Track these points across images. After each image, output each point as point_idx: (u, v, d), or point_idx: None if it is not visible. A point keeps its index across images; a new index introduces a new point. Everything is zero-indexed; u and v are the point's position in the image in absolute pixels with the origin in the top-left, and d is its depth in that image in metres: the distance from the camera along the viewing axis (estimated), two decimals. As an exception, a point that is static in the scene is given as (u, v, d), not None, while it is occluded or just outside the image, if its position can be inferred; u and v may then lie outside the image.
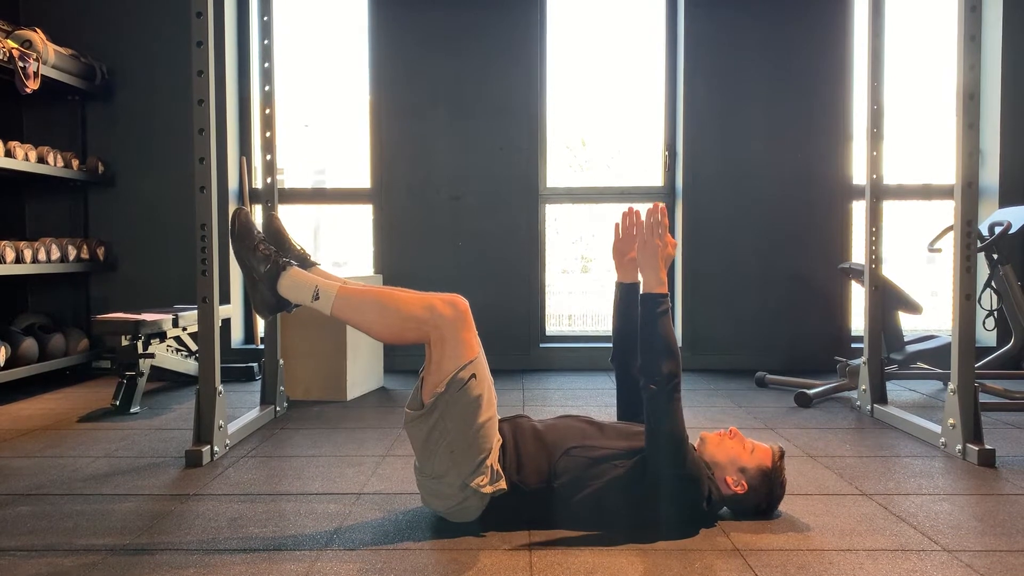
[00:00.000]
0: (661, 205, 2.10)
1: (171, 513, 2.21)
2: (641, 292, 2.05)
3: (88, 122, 4.73)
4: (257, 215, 4.60)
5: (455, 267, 4.78)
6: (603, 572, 1.80)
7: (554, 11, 4.95)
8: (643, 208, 2.16)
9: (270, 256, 2.15)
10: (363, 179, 4.93)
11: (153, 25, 4.69)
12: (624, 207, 2.32)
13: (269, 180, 3.49)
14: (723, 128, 4.77)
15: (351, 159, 5.23)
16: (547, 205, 4.97)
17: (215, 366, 2.76)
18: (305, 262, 2.23)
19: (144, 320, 3.61)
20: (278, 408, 3.50)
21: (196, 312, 2.79)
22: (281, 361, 3.56)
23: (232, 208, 4.70)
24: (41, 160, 4.17)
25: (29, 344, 3.98)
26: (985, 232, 3.81)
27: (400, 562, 1.86)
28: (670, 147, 4.97)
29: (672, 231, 4.94)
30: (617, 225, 2.26)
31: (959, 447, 2.74)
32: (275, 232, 2.31)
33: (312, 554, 1.91)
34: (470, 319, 2.02)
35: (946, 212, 4.86)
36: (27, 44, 4.01)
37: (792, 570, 1.81)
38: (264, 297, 2.15)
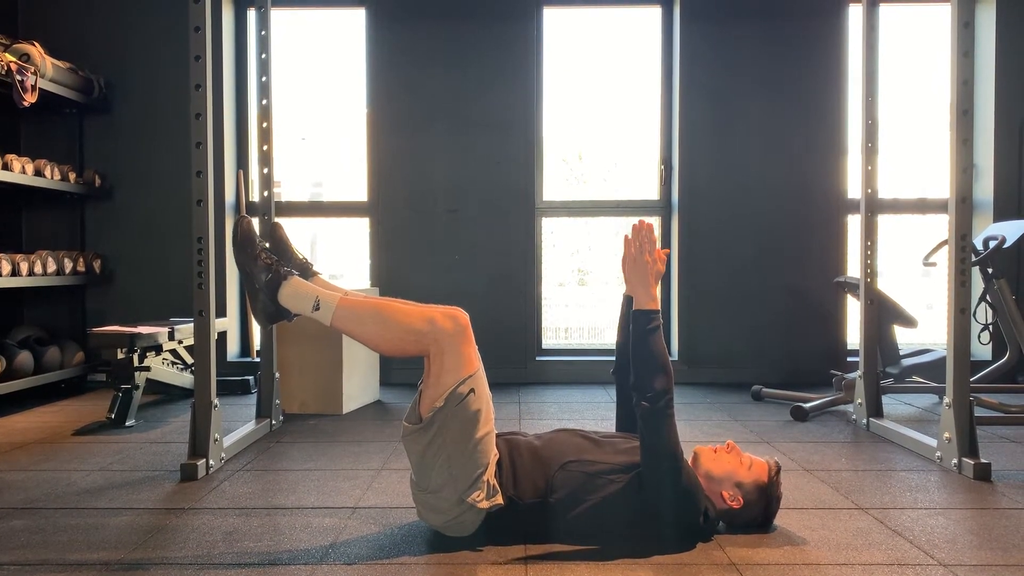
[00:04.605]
0: (647, 222, 2.09)
1: (166, 527, 2.20)
2: (632, 308, 2.05)
3: (86, 135, 4.74)
4: (255, 226, 4.60)
5: (452, 280, 4.78)
6: (599, 587, 1.80)
7: (551, 26, 4.99)
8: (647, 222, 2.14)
9: (271, 265, 2.16)
10: (360, 192, 4.95)
11: (151, 39, 4.71)
12: (621, 220, 2.31)
13: (266, 193, 3.50)
14: (719, 142, 4.80)
15: (348, 172, 5.24)
16: (544, 218, 4.98)
17: (211, 379, 2.76)
18: (307, 272, 2.24)
19: (140, 333, 3.61)
20: (274, 421, 3.49)
21: (192, 325, 2.79)
22: (277, 374, 3.56)
23: (229, 221, 4.71)
24: (38, 173, 4.17)
25: (24, 357, 3.97)
26: (980, 246, 3.82)
27: (396, 577, 1.85)
28: (666, 161, 4.99)
29: (668, 245, 4.95)
30: (627, 238, 2.12)
31: (955, 461, 2.74)
32: (277, 241, 2.33)
33: (308, 568, 1.90)
34: (470, 333, 2.02)
35: (941, 226, 4.88)
36: (25, 57, 4.02)
37: (789, 585, 1.81)
38: (264, 306, 2.15)
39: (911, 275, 5.24)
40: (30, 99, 3.94)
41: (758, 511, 2.12)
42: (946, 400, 2.78)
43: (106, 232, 4.77)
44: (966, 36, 2.72)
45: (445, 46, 4.81)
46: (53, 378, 4.16)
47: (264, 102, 3.52)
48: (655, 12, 4.99)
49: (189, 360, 4.14)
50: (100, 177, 4.67)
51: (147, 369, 3.68)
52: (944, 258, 3.32)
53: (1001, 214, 4.67)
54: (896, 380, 3.96)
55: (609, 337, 5.52)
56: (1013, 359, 4.01)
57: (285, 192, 5.26)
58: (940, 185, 4.99)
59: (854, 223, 4.70)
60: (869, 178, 3.47)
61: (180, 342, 3.98)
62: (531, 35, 4.83)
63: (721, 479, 2.09)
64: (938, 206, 4.90)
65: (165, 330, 3.78)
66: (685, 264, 4.81)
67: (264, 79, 3.52)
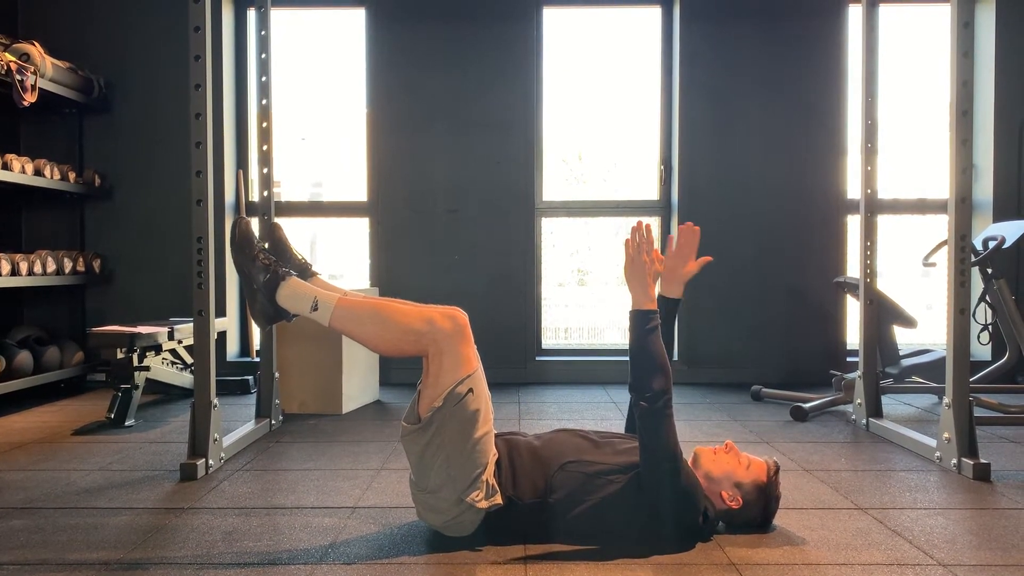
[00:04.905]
0: (646, 223, 2.09)
1: (165, 527, 2.20)
2: (630, 309, 2.05)
3: (85, 135, 4.74)
4: (255, 227, 4.60)
5: (451, 280, 4.78)
6: (599, 587, 1.80)
7: (551, 26, 4.99)
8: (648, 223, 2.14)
9: (269, 266, 2.15)
10: (360, 192, 4.95)
11: (151, 39, 4.71)
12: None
13: (266, 193, 3.50)
14: (718, 143, 4.80)
15: (348, 172, 5.24)
16: (543, 218, 4.98)
17: (211, 379, 2.76)
18: (305, 272, 2.24)
19: (140, 333, 3.61)
20: (273, 421, 3.49)
21: (192, 325, 2.79)
22: (277, 374, 3.55)
23: (229, 221, 4.71)
24: (38, 173, 4.17)
25: (24, 357, 3.97)
26: (979, 246, 3.83)
27: (395, 576, 1.86)
28: (666, 161, 4.99)
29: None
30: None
31: (954, 461, 2.74)
32: (276, 241, 2.33)
33: (307, 568, 1.90)
34: (469, 333, 2.02)
35: (941, 226, 4.88)
36: (25, 57, 4.02)
37: (788, 585, 1.81)
38: (262, 307, 2.15)
39: (911, 275, 5.24)
40: (30, 99, 3.94)
41: (757, 511, 2.12)
42: (945, 400, 2.78)
43: (106, 232, 4.76)
44: (966, 36, 2.72)
45: (445, 46, 4.81)
46: (52, 378, 4.16)
47: (264, 102, 3.52)
48: (655, 12, 5.00)
49: (189, 360, 4.13)
50: (100, 177, 4.66)
51: (147, 369, 3.68)
52: (944, 258, 3.32)
53: (1000, 214, 4.67)
54: (896, 380, 3.96)
55: (609, 337, 5.53)
56: (1012, 359, 4.01)
57: (285, 192, 5.26)
58: (940, 185, 4.99)
59: (854, 223, 4.70)
60: (869, 178, 3.47)
61: (180, 342, 3.98)
62: (531, 35, 4.83)
63: (720, 479, 2.09)
64: (938, 206, 4.90)
65: (165, 330, 3.78)
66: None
67: (264, 79, 3.52)
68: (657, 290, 2.21)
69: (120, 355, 3.60)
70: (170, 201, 4.67)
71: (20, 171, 4.02)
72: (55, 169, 4.30)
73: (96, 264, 4.61)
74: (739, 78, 4.78)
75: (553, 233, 5.24)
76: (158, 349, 3.81)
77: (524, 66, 4.82)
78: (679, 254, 2.31)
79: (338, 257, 5.70)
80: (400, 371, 4.65)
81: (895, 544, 2.07)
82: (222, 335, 4.75)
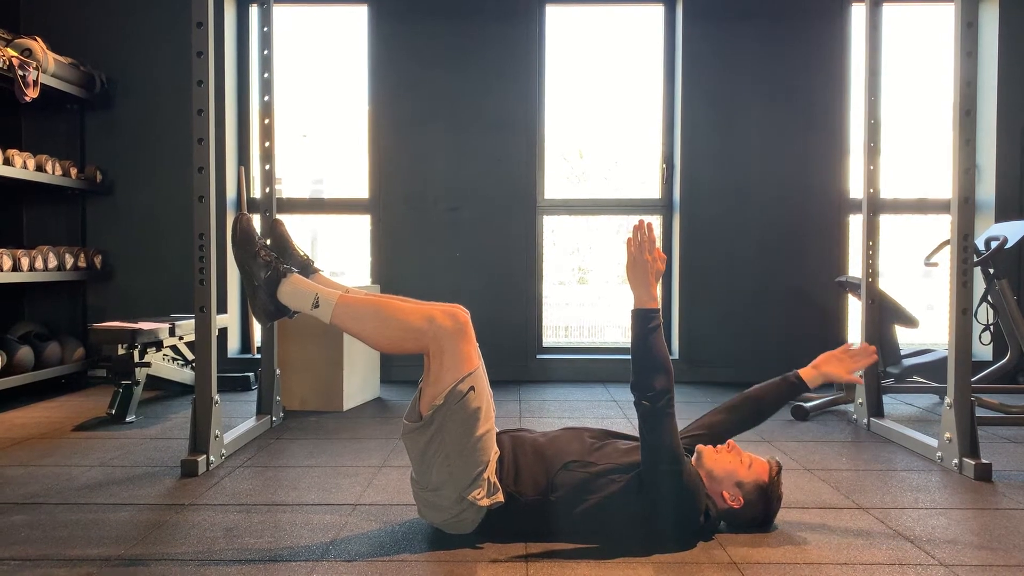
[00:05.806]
0: (647, 221, 2.08)
1: (166, 523, 2.20)
2: (632, 308, 2.04)
3: (87, 131, 4.74)
4: (256, 223, 4.59)
5: (452, 278, 4.78)
6: (600, 585, 1.79)
7: (553, 24, 4.98)
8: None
9: (270, 263, 2.15)
10: (361, 189, 4.94)
11: (153, 35, 4.70)
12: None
13: (268, 190, 3.50)
14: (720, 142, 4.79)
15: (349, 170, 5.24)
16: (544, 217, 4.98)
17: (212, 375, 2.76)
18: (307, 269, 2.23)
19: (141, 329, 3.61)
20: (274, 418, 3.49)
21: (193, 321, 2.79)
22: (278, 371, 3.56)
23: (230, 218, 4.71)
24: (39, 168, 4.17)
25: (25, 352, 3.97)
26: (981, 246, 3.82)
27: (396, 574, 1.85)
28: (668, 160, 4.99)
29: (669, 243, 4.95)
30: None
31: (955, 461, 2.74)
32: (278, 238, 2.33)
33: (308, 565, 1.90)
34: (470, 331, 2.01)
35: (943, 226, 4.87)
36: (27, 52, 4.02)
37: (789, 584, 1.81)
38: (263, 303, 2.14)
39: (912, 275, 5.23)
40: (32, 94, 3.94)
41: (758, 511, 2.11)
42: (947, 400, 2.78)
43: (107, 228, 4.76)
44: (969, 36, 2.72)
45: (447, 43, 4.80)
46: (53, 373, 4.16)
47: (266, 99, 3.51)
48: (657, 10, 4.99)
49: (190, 356, 4.14)
50: (101, 173, 4.66)
51: (148, 365, 3.68)
52: (946, 258, 3.32)
53: (1003, 214, 4.67)
54: (897, 380, 3.95)
55: (609, 335, 5.53)
56: (1014, 359, 4.00)
57: (286, 189, 5.26)
58: (942, 185, 4.98)
59: (855, 223, 4.69)
60: (871, 178, 3.47)
61: (181, 338, 3.98)
62: (533, 33, 4.82)
63: (721, 479, 2.09)
64: (940, 206, 4.90)
65: (166, 326, 3.78)
66: (686, 263, 4.81)
67: (266, 75, 3.52)
68: (813, 373, 2.40)
69: (121, 351, 3.60)
70: (172, 197, 4.66)
71: (22, 167, 4.01)
72: (56, 165, 4.29)
73: (97, 260, 4.61)
74: (741, 77, 4.77)
75: (554, 231, 5.24)
76: (159, 345, 3.81)
77: (526, 64, 4.81)
78: (847, 360, 2.40)
79: (339, 254, 5.71)
80: (401, 368, 4.65)
81: (896, 544, 2.07)
82: (223, 331, 4.75)
